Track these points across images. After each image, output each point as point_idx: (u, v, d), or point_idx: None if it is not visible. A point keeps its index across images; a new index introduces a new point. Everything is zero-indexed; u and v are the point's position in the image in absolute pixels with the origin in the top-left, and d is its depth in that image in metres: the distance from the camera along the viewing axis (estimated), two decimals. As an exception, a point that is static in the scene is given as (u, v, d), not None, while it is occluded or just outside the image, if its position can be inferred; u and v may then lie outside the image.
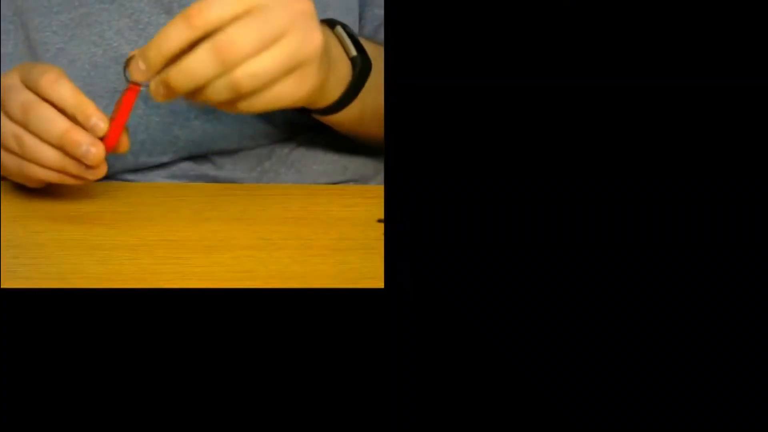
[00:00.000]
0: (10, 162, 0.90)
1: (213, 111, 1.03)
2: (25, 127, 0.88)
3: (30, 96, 0.88)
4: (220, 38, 0.80)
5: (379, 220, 0.94)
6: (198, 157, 1.04)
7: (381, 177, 1.12)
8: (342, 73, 0.94)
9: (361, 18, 1.07)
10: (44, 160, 0.88)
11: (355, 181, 1.09)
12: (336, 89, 0.95)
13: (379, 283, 0.83)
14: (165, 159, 1.03)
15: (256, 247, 0.90)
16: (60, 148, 0.87)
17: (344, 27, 0.95)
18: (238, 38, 0.80)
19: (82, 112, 0.87)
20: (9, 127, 0.88)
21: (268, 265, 0.88)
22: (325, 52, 0.86)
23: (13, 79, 0.89)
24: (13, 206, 0.94)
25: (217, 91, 0.82)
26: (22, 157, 0.89)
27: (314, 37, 0.84)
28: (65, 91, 0.87)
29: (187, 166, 1.04)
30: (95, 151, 0.87)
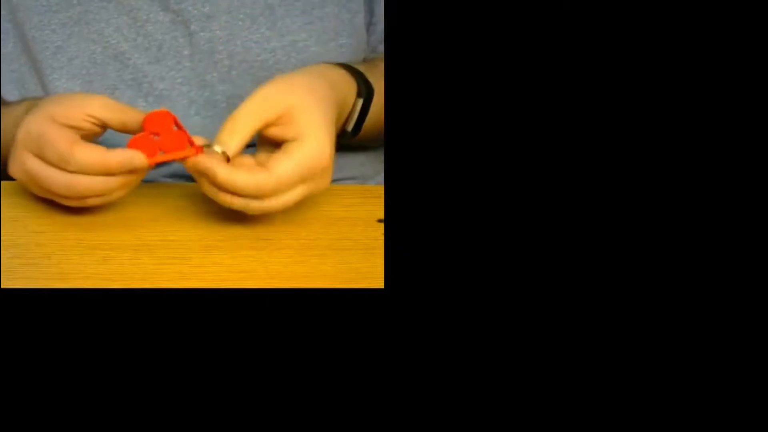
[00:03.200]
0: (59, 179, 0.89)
1: (213, 107, 1.03)
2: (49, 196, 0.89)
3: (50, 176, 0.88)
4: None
5: (379, 220, 0.94)
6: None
7: (381, 177, 1.12)
8: (350, 101, 0.96)
9: (369, 25, 1.09)
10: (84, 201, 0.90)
11: (354, 179, 1.09)
12: (345, 125, 0.98)
13: (379, 283, 0.83)
14: (165, 156, 1.03)
15: (256, 247, 0.90)
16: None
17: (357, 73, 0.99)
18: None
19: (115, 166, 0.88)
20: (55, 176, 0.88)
21: (268, 265, 0.88)
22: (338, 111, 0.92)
23: (23, 157, 0.89)
24: (13, 206, 0.94)
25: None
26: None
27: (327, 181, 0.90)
28: (84, 162, 0.87)
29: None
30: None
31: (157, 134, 0.88)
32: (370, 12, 1.08)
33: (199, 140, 0.88)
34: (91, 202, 0.89)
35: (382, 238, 0.89)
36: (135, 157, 0.87)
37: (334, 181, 1.07)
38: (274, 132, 0.88)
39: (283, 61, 1.03)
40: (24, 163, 0.88)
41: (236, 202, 0.87)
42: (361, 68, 1.00)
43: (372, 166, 1.11)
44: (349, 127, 0.98)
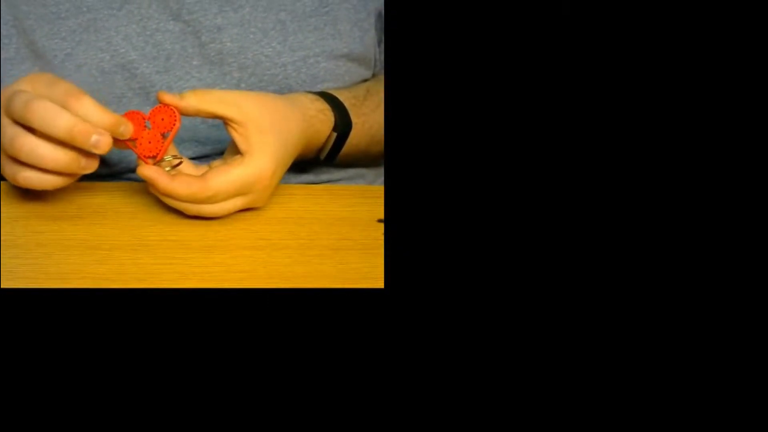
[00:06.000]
0: (8, 168, 0.90)
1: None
2: (28, 123, 0.86)
3: (35, 97, 0.87)
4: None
5: (379, 220, 0.94)
6: (201, 157, 1.04)
7: (381, 177, 1.12)
8: (324, 135, 1.02)
9: (380, 42, 1.10)
10: (42, 160, 0.87)
11: (354, 179, 1.10)
12: (321, 147, 1.03)
13: (379, 283, 0.83)
14: (167, 159, 1.03)
15: (256, 247, 0.90)
16: (68, 140, 0.86)
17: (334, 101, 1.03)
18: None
19: (113, 124, 0.88)
20: (9, 129, 0.88)
21: (268, 265, 0.88)
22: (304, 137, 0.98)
23: (22, 86, 0.89)
24: (13, 206, 0.94)
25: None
26: (18, 158, 0.88)
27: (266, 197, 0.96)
28: (89, 105, 0.88)
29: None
30: (104, 140, 0.87)
31: (151, 124, 0.91)
32: (381, 29, 1.09)
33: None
34: (28, 174, 0.88)
35: (382, 238, 0.89)
36: (126, 124, 0.89)
37: (334, 181, 1.08)
38: (233, 134, 0.93)
39: (293, 76, 1.03)
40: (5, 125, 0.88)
41: (174, 204, 0.92)
42: (351, 101, 1.04)
43: (372, 167, 1.11)
44: (322, 156, 1.03)
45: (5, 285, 0.83)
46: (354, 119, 1.03)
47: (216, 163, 0.95)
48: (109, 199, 0.97)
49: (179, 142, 1.01)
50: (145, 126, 0.91)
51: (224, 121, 0.93)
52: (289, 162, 0.97)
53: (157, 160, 0.91)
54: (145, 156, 0.91)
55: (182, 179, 0.91)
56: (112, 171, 1.03)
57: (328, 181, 1.08)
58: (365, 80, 1.09)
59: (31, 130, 0.87)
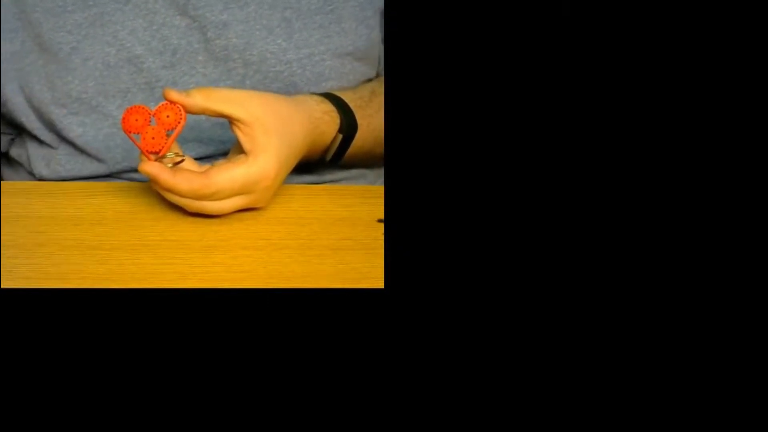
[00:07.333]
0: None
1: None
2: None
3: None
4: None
5: (379, 220, 0.94)
6: (204, 158, 1.04)
7: (381, 177, 1.12)
8: (329, 137, 1.02)
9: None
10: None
11: (354, 179, 1.10)
12: (327, 149, 1.03)
13: (379, 283, 0.83)
14: (171, 158, 1.04)
15: (256, 247, 0.90)
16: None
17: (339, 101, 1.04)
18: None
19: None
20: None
21: (268, 265, 0.88)
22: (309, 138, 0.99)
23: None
24: (13, 206, 0.94)
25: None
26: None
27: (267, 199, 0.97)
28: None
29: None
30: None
31: (156, 120, 0.92)
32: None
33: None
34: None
35: (382, 238, 0.89)
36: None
37: (336, 181, 1.08)
38: (238, 134, 0.93)
39: (298, 74, 1.03)
40: None
41: (176, 200, 0.93)
42: (357, 102, 1.04)
43: (376, 167, 1.12)
44: (328, 158, 1.03)
45: (5, 285, 0.83)
46: (359, 120, 1.03)
47: (220, 162, 0.95)
48: (109, 199, 0.97)
49: (183, 142, 1.01)
50: (150, 122, 0.91)
51: (230, 121, 0.93)
52: (293, 163, 0.97)
53: (159, 156, 0.91)
54: (148, 151, 0.91)
55: (184, 175, 0.91)
56: (113, 171, 1.03)
57: (331, 181, 1.08)
58: (369, 79, 1.09)
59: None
